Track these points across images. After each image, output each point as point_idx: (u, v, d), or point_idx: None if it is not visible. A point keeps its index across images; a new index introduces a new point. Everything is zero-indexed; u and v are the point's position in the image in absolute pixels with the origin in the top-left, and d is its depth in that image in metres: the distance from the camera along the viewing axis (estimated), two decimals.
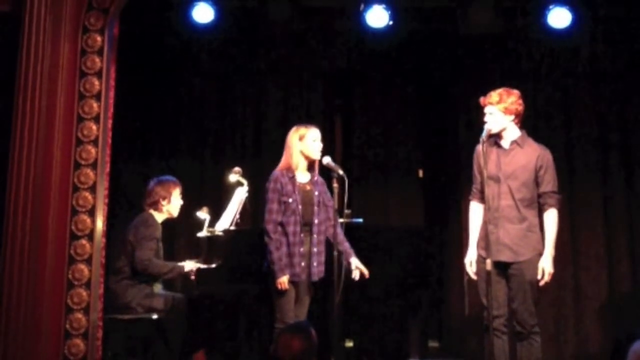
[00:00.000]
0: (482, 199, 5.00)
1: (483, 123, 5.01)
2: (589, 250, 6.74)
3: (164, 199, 5.59)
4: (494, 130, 5.00)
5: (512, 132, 5.04)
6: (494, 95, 5.00)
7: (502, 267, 4.92)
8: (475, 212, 5.13)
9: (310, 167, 5.25)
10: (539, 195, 4.98)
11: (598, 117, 6.87)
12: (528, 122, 5.39)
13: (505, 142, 5.05)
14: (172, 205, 5.63)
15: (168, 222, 5.81)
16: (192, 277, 5.44)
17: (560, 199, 5.03)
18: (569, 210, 6.59)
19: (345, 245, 5.21)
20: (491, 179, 4.92)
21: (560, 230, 5.13)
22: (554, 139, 6.50)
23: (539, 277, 4.88)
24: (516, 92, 5.06)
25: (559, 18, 6.32)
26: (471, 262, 5.04)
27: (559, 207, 4.99)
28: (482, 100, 5.04)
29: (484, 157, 4.87)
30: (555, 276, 5.02)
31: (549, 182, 4.98)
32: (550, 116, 6.85)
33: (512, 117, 5.01)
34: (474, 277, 5.03)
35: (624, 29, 6.72)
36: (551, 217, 4.96)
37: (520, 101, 5.04)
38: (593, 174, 6.81)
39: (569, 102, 6.91)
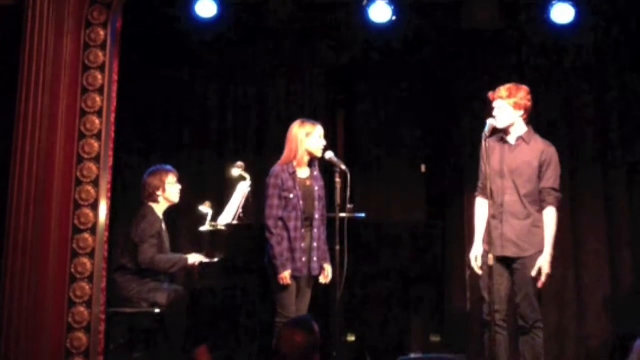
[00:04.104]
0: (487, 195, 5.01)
1: (486, 118, 4.99)
2: (590, 247, 6.71)
3: (158, 189, 5.53)
4: (501, 126, 4.97)
5: (519, 128, 5.01)
6: (504, 90, 4.97)
7: (506, 263, 4.90)
8: (482, 208, 5.09)
9: (311, 162, 5.25)
10: (539, 191, 4.95)
11: (601, 113, 6.85)
12: (531, 118, 5.37)
13: (511, 138, 5.02)
14: (168, 193, 5.57)
15: (171, 215, 5.80)
16: (195, 270, 5.45)
17: (560, 197, 4.96)
18: (571, 208, 6.56)
19: (325, 249, 5.22)
20: (496, 175, 4.92)
21: (562, 227, 5.10)
22: (556, 135, 6.48)
23: (534, 274, 4.85)
24: (525, 87, 5.03)
25: (562, 13, 6.31)
26: (477, 257, 5.02)
27: (558, 206, 4.92)
28: (491, 94, 5.00)
29: (486, 152, 4.86)
30: (557, 273, 5.01)
31: (550, 179, 4.94)
32: (553, 112, 6.83)
33: (522, 112, 4.98)
34: (479, 271, 4.99)
35: (627, 24, 6.70)
36: (550, 216, 4.90)
37: (529, 97, 5.01)
38: (595, 171, 6.76)
39: (572, 99, 6.89)
